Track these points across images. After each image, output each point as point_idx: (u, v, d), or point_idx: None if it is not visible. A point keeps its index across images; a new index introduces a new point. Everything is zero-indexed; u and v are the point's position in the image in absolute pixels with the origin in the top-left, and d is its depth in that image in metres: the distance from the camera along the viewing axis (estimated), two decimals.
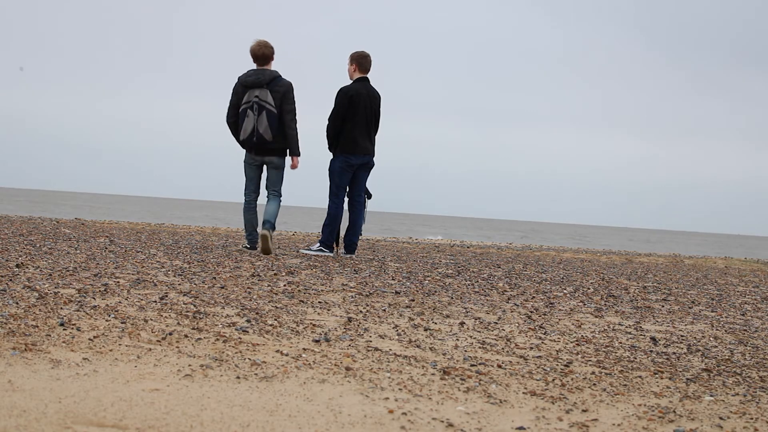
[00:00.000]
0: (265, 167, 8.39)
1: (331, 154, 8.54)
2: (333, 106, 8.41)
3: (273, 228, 8.11)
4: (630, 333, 4.69)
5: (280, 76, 8.13)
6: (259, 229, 8.20)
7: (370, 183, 8.81)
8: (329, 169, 8.55)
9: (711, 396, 3.21)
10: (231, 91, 8.25)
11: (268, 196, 8.39)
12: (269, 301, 4.73)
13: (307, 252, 8.51)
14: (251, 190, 8.39)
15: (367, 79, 8.54)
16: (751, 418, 2.91)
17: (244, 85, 8.16)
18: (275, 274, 6.14)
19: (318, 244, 8.58)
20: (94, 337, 3.39)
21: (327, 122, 8.47)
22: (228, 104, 8.32)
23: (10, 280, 4.76)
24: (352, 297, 5.22)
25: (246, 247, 8.59)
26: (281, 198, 8.37)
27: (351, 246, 8.63)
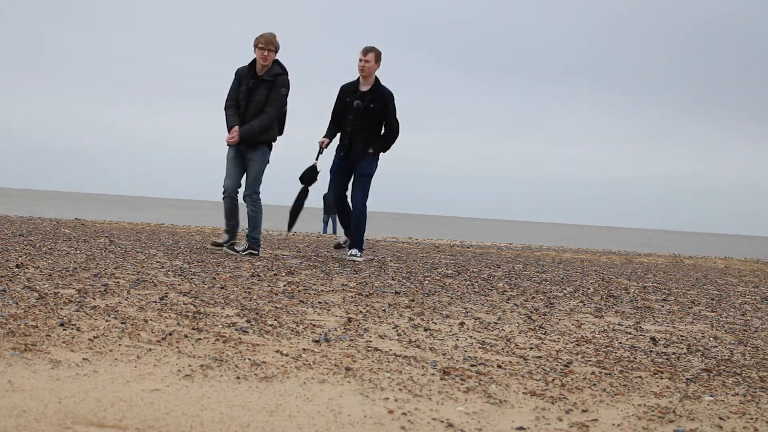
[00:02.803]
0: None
1: (375, 154, 8.17)
2: (393, 108, 8.12)
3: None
4: (630, 333, 4.69)
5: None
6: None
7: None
8: (373, 172, 8.18)
9: (711, 396, 3.21)
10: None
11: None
12: (269, 302, 4.73)
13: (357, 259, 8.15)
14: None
15: None
16: (751, 418, 2.91)
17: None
18: (275, 275, 6.14)
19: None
20: (94, 337, 3.39)
21: (395, 124, 8.15)
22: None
23: (10, 280, 4.76)
24: (352, 297, 5.22)
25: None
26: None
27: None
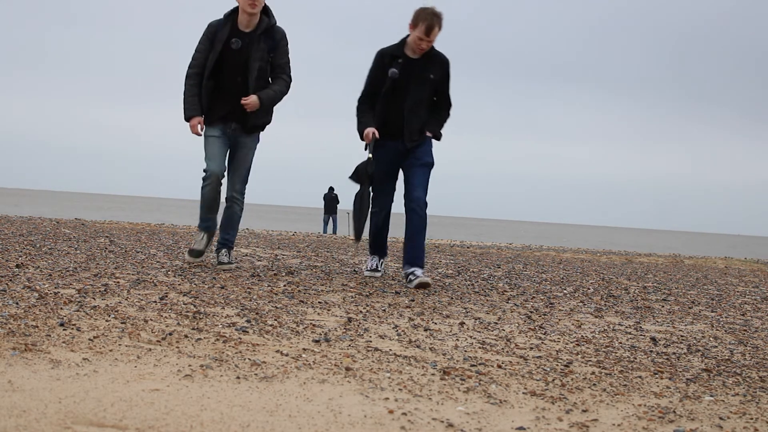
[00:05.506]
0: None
1: (437, 140, 6.33)
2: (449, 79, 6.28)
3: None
4: (630, 333, 4.69)
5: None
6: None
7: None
8: (433, 161, 6.25)
9: (711, 396, 3.21)
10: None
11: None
12: (269, 301, 4.73)
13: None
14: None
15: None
16: (751, 419, 2.91)
17: None
18: (275, 274, 6.14)
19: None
20: (94, 337, 3.39)
21: (450, 100, 6.33)
22: None
23: (10, 280, 4.76)
24: (352, 297, 5.22)
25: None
26: None
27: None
